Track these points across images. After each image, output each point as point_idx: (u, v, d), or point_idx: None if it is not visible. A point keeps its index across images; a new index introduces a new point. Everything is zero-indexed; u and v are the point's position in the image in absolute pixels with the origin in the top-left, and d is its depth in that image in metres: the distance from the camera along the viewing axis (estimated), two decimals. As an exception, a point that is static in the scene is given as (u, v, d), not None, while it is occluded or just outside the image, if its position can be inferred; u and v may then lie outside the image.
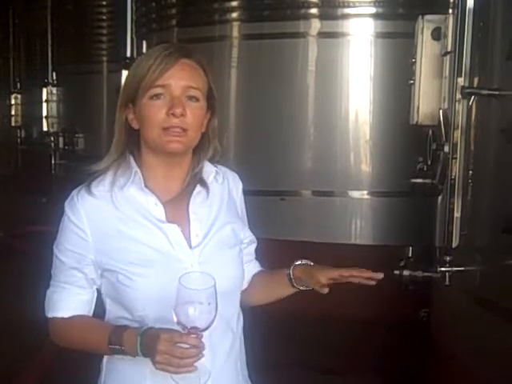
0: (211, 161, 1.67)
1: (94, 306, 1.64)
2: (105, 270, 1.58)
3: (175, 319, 1.42)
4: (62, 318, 1.61)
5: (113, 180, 1.59)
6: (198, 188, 1.62)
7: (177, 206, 1.60)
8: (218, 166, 1.69)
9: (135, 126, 1.58)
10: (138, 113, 1.56)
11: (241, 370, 1.69)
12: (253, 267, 1.76)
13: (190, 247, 1.57)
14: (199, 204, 1.61)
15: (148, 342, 1.45)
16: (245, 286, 1.71)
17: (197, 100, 1.56)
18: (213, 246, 1.59)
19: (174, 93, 1.53)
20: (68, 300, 1.61)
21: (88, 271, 1.59)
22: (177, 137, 1.53)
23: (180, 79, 1.54)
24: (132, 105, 1.57)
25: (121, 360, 1.58)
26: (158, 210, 1.58)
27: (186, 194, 1.61)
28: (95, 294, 1.63)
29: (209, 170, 1.65)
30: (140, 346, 1.47)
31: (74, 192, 1.60)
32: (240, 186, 1.74)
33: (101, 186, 1.59)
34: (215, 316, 1.42)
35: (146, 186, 1.58)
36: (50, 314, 1.62)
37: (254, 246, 1.77)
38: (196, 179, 1.63)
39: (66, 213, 1.58)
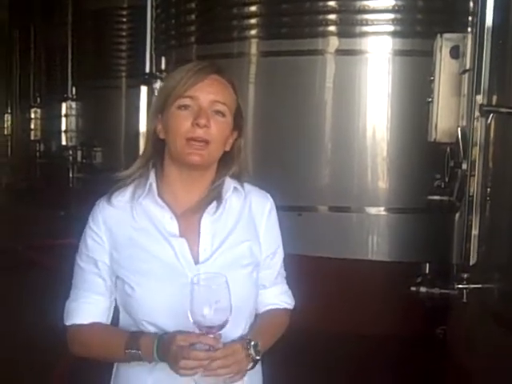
0: (239, 179, 1.68)
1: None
2: (117, 277, 1.61)
3: (191, 320, 1.44)
4: (81, 325, 1.63)
5: (133, 191, 1.63)
6: (214, 203, 1.63)
7: (190, 220, 1.61)
8: (244, 184, 1.69)
9: (162, 136, 1.61)
10: (165, 122, 1.59)
11: None
12: (265, 298, 1.71)
13: (198, 262, 1.59)
14: (212, 219, 1.62)
15: (165, 345, 1.48)
16: (259, 309, 1.69)
17: (223, 115, 1.58)
18: (222, 262, 1.58)
19: (201, 105, 1.56)
20: (87, 307, 1.63)
21: (106, 277, 1.62)
22: (198, 150, 1.55)
23: (209, 93, 1.56)
24: (161, 115, 1.60)
25: (126, 369, 1.61)
26: (173, 224, 1.60)
27: (201, 207, 1.62)
28: (113, 304, 1.66)
29: (227, 186, 1.65)
30: (157, 349, 1.49)
31: (97, 201, 1.65)
32: (268, 205, 1.69)
33: (120, 197, 1.63)
34: (230, 313, 1.43)
35: (161, 199, 1.61)
36: (68, 322, 1.64)
37: (272, 272, 1.71)
38: (214, 194, 1.64)
39: (88, 221, 1.64)
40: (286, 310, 1.76)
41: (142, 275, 1.57)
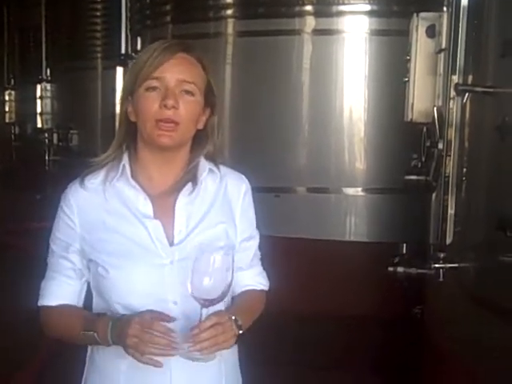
0: (213, 160, 1.67)
1: (85, 299, 1.67)
2: (89, 260, 1.61)
3: (190, 290, 1.43)
4: (50, 307, 1.64)
5: (106, 174, 1.62)
6: (189, 184, 1.62)
7: (165, 202, 1.61)
8: (220, 167, 1.68)
9: (133, 118, 1.59)
10: (135, 104, 1.57)
11: None
12: (241, 279, 1.70)
13: (173, 244, 1.57)
14: (187, 200, 1.61)
15: (119, 327, 1.48)
16: (235, 291, 1.69)
17: (192, 95, 1.56)
18: (197, 244, 1.57)
19: (168, 85, 1.54)
20: (56, 289, 1.64)
21: (75, 260, 1.62)
22: (168, 131, 1.54)
23: (176, 72, 1.55)
24: (131, 97, 1.58)
25: (99, 355, 1.62)
26: (147, 206, 1.59)
27: (176, 189, 1.62)
28: (84, 287, 1.66)
29: (203, 167, 1.64)
30: (111, 331, 1.49)
31: (70, 184, 1.64)
32: (243, 187, 1.70)
33: (93, 179, 1.62)
34: (230, 286, 1.44)
35: (135, 181, 1.60)
36: (39, 303, 1.66)
37: (248, 254, 1.71)
38: (189, 176, 1.63)
39: (60, 203, 1.63)
40: (262, 291, 1.77)
41: (115, 257, 1.56)
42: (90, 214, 1.60)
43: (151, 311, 1.49)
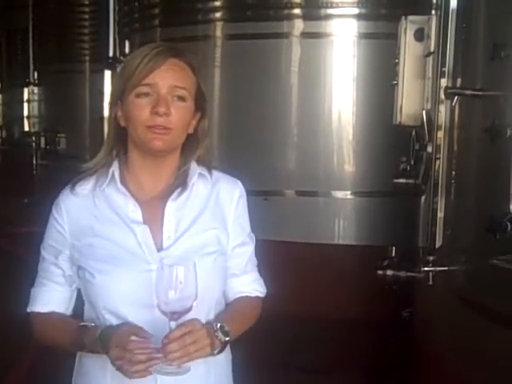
0: (206, 165, 1.66)
1: (75, 305, 1.66)
2: (78, 267, 1.60)
3: (155, 303, 1.42)
4: (39, 313, 1.64)
5: (96, 180, 1.61)
6: (179, 189, 1.61)
7: (155, 207, 1.60)
8: (213, 172, 1.67)
9: (122, 123, 1.58)
10: (125, 110, 1.56)
11: None
12: (235, 286, 1.69)
13: (161, 249, 1.56)
14: (177, 206, 1.60)
15: (105, 341, 1.46)
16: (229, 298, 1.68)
17: (183, 100, 1.55)
18: (185, 249, 1.56)
19: (160, 92, 1.53)
20: (46, 296, 1.64)
21: (65, 267, 1.61)
22: (160, 135, 1.52)
23: (167, 78, 1.53)
24: (120, 102, 1.57)
25: (86, 357, 1.60)
26: (136, 212, 1.58)
27: (166, 194, 1.61)
28: (74, 294, 1.66)
29: (193, 172, 1.63)
30: (101, 343, 1.47)
31: (62, 191, 1.64)
32: (237, 192, 1.67)
33: (84, 185, 1.62)
34: (195, 299, 1.42)
35: (125, 187, 1.59)
36: (29, 309, 1.65)
37: (241, 260, 1.68)
38: (179, 181, 1.62)
39: (51, 210, 1.63)
40: (257, 298, 1.74)
41: (102, 262, 1.55)
42: (79, 221, 1.60)
43: (128, 325, 1.47)
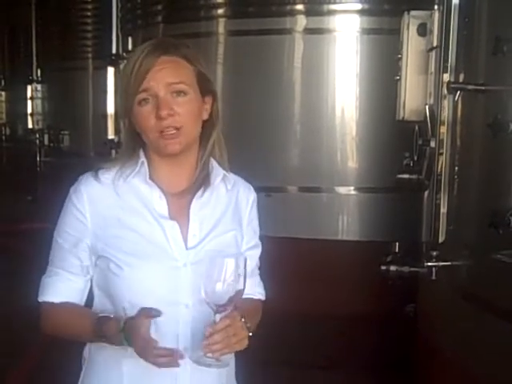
0: (224, 167, 1.65)
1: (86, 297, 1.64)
2: (99, 256, 1.57)
3: (203, 296, 1.44)
4: (53, 304, 1.61)
5: (120, 170, 1.59)
6: (203, 189, 1.61)
7: (179, 203, 1.60)
8: (230, 174, 1.67)
9: (138, 129, 1.57)
10: (134, 119, 1.56)
11: None
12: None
13: (187, 247, 1.56)
14: (201, 205, 1.60)
15: (128, 331, 1.46)
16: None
17: (184, 94, 1.55)
18: (209, 250, 1.57)
19: (158, 94, 1.52)
20: (60, 285, 1.61)
21: (83, 257, 1.59)
22: (172, 138, 1.52)
23: (161, 78, 1.52)
24: (129, 110, 1.57)
25: (99, 358, 1.60)
26: (162, 205, 1.57)
27: (190, 192, 1.60)
28: (88, 284, 1.63)
29: (217, 173, 1.63)
30: (124, 335, 1.47)
31: (81, 177, 1.60)
32: (252, 197, 1.69)
33: (107, 174, 1.59)
34: (243, 291, 1.44)
35: (150, 179, 1.58)
36: (40, 298, 1.62)
37: (251, 263, 1.68)
38: (203, 179, 1.61)
39: (69, 196, 1.59)
40: (259, 300, 1.76)
41: (131, 255, 1.54)
42: (103, 209, 1.56)
43: (143, 310, 1.47)
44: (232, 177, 1.67)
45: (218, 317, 1.45)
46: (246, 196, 1.69)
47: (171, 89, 1.53)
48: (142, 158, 1.59)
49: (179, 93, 1.54)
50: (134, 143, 1.61)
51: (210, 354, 1.43)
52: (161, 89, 1.52)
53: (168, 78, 1.53)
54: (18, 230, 6.45)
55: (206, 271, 1.43)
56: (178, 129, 1.52)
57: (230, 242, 1.62)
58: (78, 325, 1.58)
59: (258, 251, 1.72)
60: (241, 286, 1.45)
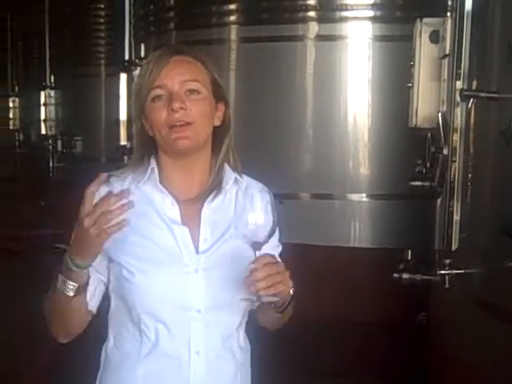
0: (236, 170, 1.66)
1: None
2: (111, 261, 1.58)
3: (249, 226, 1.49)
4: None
5: (132, 176, 1.61)
6: (215, 193, 1.62)
7: (191, 208, 1.60)
8: (244, 177, 1.67)
9: (151, 133, 1.59)
10: (147, 118, 1.57)
11: None
12: None
13: (198, 251, 1.57)
14: (213, 209, 1.61)
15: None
16: (255, 305, 1.67)
17: (198, 92, 1.56)
18: (221, 254, 1.58)
19: (171, 89, 1.54)
20: None
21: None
22: (182, 132, 1.53)
23: (175, 76, 1.55)
24: (142, 113, 1.58)
25: (114, 359, 1.61)
26: (174, 211, 1.58)
27: (202, 197, 1.61)
28: (100, 285, 1.62)
29: (229, 177, 1.64)
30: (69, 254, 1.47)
31: (95, 180, 1.59)
32: (267, 198, 1.66)
33: (120, 181, 1.60)
34: (274, 230, 1.50)
35: (162, 185, 1.59)
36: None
37: None
38: (215, 184, 1.62)
39: (84, 197, 1.57)
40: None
41: (143, 261, 1.55)
42: None
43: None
44: (245, 179, 1.68)
45: (257, 254, 1.50)
46: (261, 199, 1.68)
47: (185, 86, 1.55)
48: (153, 165, 1.60)
49: (193, 91, 1.56)
50: (145, 150, 1.62)
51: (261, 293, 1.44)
52: (175, 85, 1.54)
53: (182, 75, 1.55)
54: (30, 236, 6.48)
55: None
56: (188, 123, 1.53)
57: (243, 246, 1.61)
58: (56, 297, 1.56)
59: (278, 250, 1.74)
60: (269, 223, 1.50)
